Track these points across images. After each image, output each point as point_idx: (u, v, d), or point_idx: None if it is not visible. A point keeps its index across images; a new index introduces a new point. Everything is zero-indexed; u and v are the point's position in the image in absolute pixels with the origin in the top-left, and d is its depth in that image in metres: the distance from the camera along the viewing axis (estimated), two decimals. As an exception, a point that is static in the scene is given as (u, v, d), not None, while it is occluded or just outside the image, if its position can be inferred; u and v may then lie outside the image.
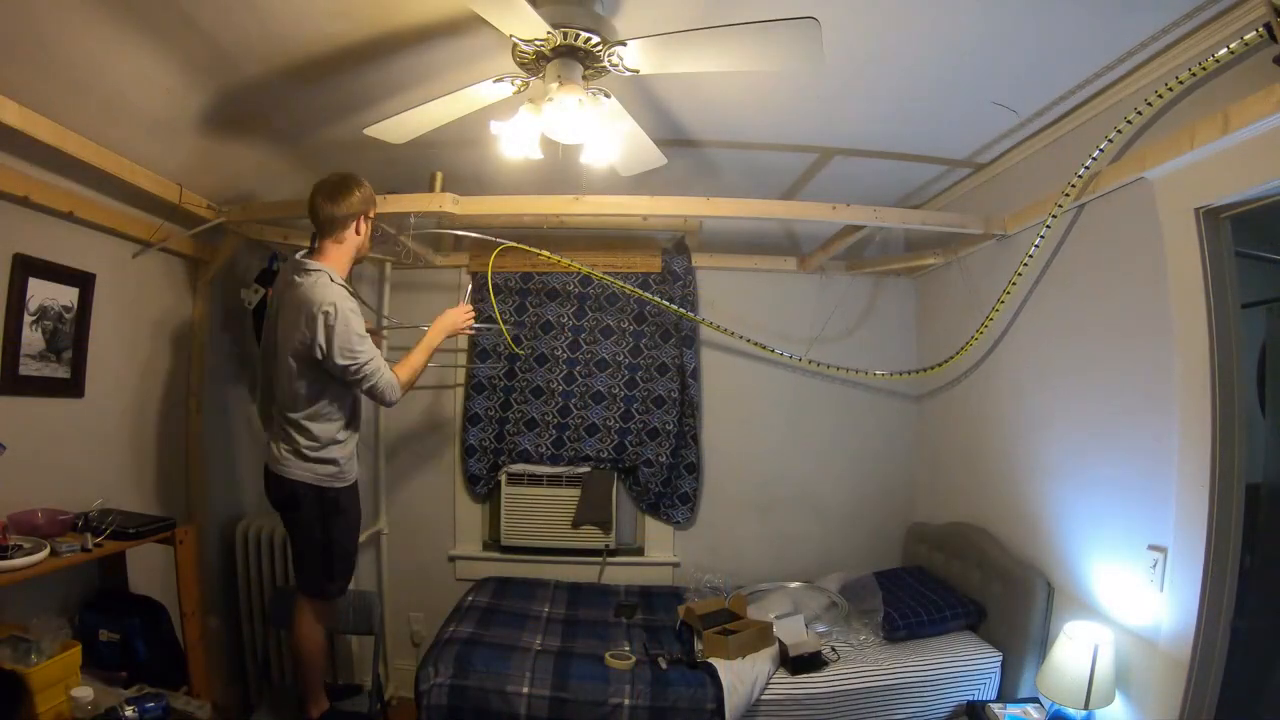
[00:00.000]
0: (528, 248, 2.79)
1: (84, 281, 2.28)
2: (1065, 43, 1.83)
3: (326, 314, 1.95)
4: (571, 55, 1.63)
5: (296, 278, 2.04)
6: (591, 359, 3.40)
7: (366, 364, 2.02)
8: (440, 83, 2.01)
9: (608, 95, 1.78)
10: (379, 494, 3.38)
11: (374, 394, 2.09)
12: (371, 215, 2.19)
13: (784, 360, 3.23)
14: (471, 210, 2.56)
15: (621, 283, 3.10)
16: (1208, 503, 1.74)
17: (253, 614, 3.04)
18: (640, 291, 3.13)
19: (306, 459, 2.09)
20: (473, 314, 2.40)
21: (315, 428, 2.09)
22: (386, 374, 2.08)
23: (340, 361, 1.98)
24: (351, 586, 3.14)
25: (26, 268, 2.06)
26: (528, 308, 3.41)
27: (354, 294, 2.09)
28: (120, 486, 2.39)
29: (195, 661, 2.34)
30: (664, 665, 2.43)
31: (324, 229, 2.10)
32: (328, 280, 2.02)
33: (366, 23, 1.77)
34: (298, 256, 2.10)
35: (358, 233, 2.14)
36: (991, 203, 2.71)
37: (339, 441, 2.14)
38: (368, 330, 2.09)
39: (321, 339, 1.96)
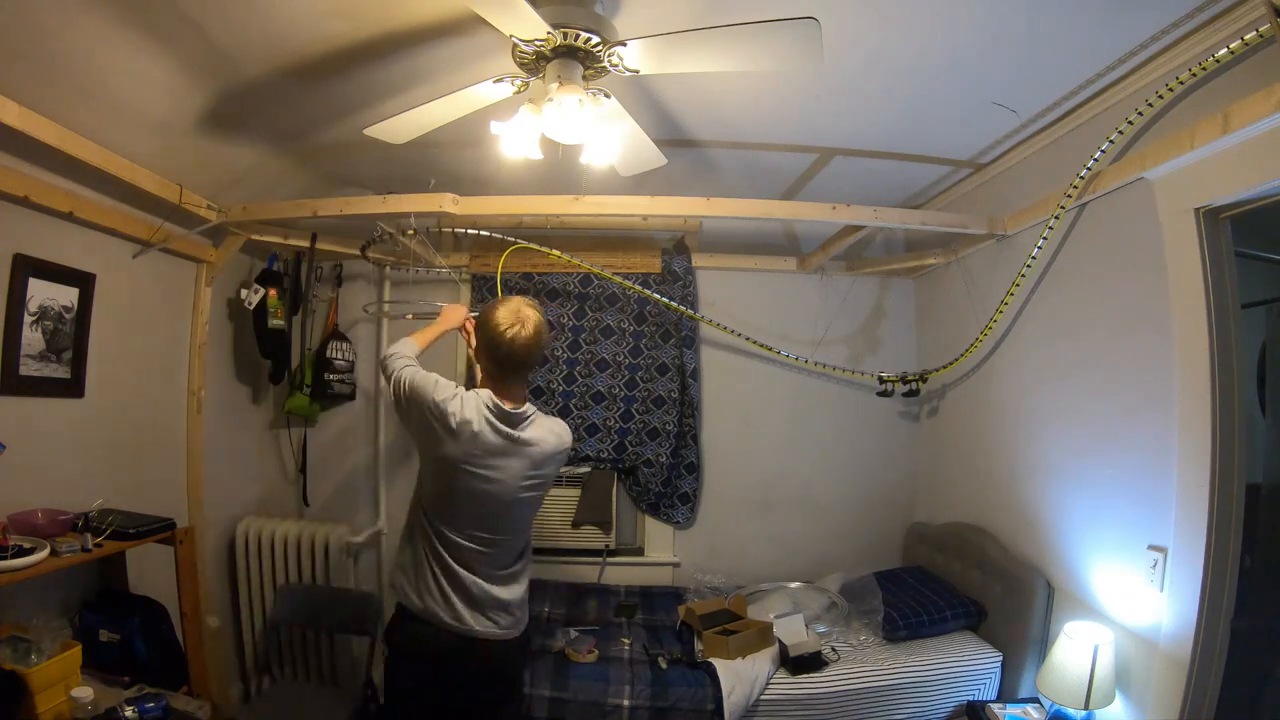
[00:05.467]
0: (539, 247, 2.79)
1: (84, 281, 2.28)
2: (1065, 43, 1.83)
3: (567, 452, 1.87)
4: (571, 55, 1.63)
5: (520, 433, 1.75)
6: (591, 359, 3.40)
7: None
8: (440, 83, 2.01)
9: (608, 95, 1.78)
10: (379, 493, 3.38)
11: None
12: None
13: (788, 361, 3.24)
14: (471, 210, 2.57)
15: (629, 283, 3.10)
16: (1208, 503, 1.74)
17: (253, 614, 3.05)
18: (646, 291, 3.14)
19: (516, 610, 1.83)
20: (472, 319, 2.21)
21: (530, 562, 1.90)
22: None
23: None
24: (351, 585, 3.15)
25: (26, 268, 2.06)
26: (528, 308, 3.41)
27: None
28: (120, 486, 2.38)
29: (195, 661, 2.34)
30: (664, 665, 2.43)
31: (523, 373, 1.83)
32: (542, 417, 1.83)
33: (366, 23, 1.77)
34: (511, 411, 1.74)
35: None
36: (991, 203, 2.71)
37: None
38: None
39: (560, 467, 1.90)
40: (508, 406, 1.73)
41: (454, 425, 1.69)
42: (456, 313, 2.15)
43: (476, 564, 1.76)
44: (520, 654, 1.90)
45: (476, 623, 1.74)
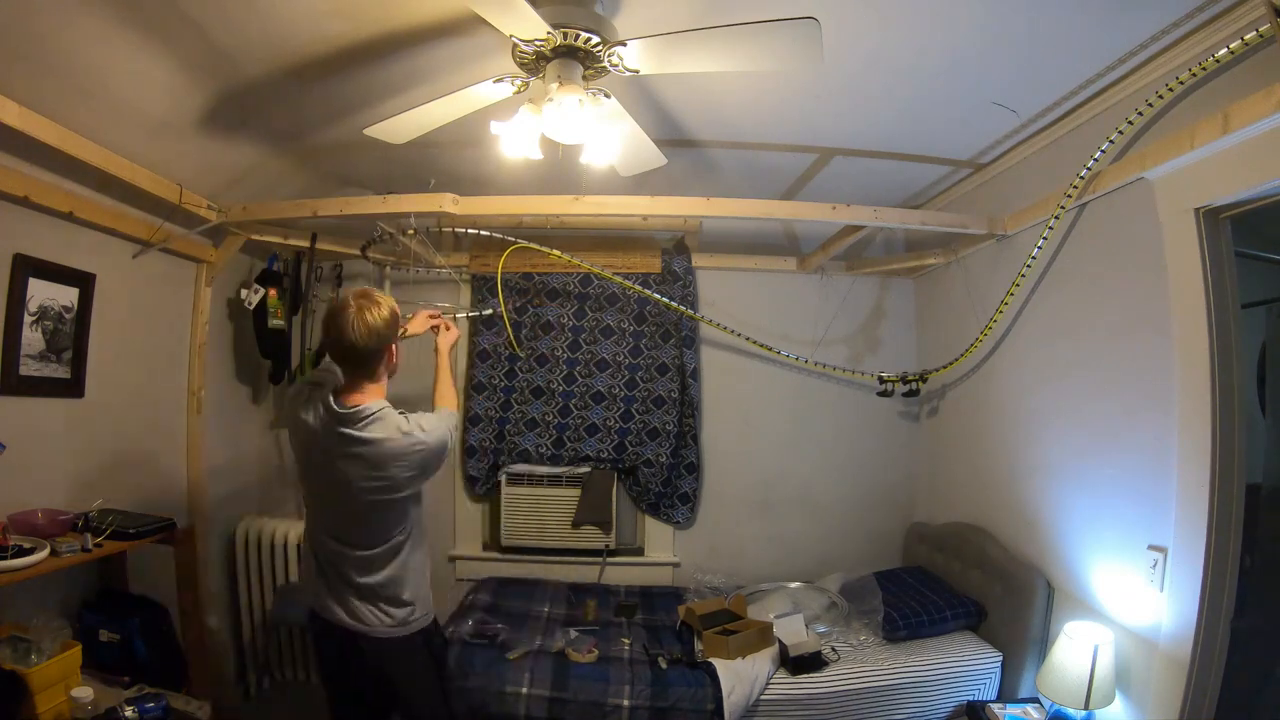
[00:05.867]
0: (539, 247, 2.79)
1: (84, 281, 2.28)
2: (1065, 43, 1.83)
3: (422, 454, 1.72)
4: (571, 55, 1.63)
5: (354, 430, 1.67)
6: (591, 359, 3.40)
7: (451, 444, 1.82)
8: (440, 83, 2.01)
9: (608, 95, 1.78)
10: (379, 494, 3.38)
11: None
12: (400, 335, 1.83)
13: (788, 361, 3.24)
14: (471, 210, 2.57)
15: (629, 283, 3.10)
16: (1208, 503, 1.74)
17: (253, 614, 3.05)
18: (646, 291, 3.14)
19: (404, 604, 1.78)
20: (437, 314, 2.19)
21: (409, 563, 1.79)
22: (452, 431, 1.86)
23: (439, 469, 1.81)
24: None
25: (26, 268, 2.07)
26: (528, 308, 3.42)
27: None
28: (120, 486, 2.39)
29: (195, 661, 2.34)
30: (664, 665, 2.43)
31: (361, 368, 1.73)
32: (394, 415, 1.73)
33: (366, 23, 1.77)
34: (344, 410, 1.68)
35: (393, 359, 1.79)
36: (991, 203, 2.71)
37: (425, 568, 1.88)
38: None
39: (427, 470, 1.76)
40: (345, 404, 1.69)
41: (293, 414, 1.76)
42: (420, 321, 2.15)
43: (340, 565, 1.77)
44: (403, 653, 1.81)
45: (350, 618, 1.76)
